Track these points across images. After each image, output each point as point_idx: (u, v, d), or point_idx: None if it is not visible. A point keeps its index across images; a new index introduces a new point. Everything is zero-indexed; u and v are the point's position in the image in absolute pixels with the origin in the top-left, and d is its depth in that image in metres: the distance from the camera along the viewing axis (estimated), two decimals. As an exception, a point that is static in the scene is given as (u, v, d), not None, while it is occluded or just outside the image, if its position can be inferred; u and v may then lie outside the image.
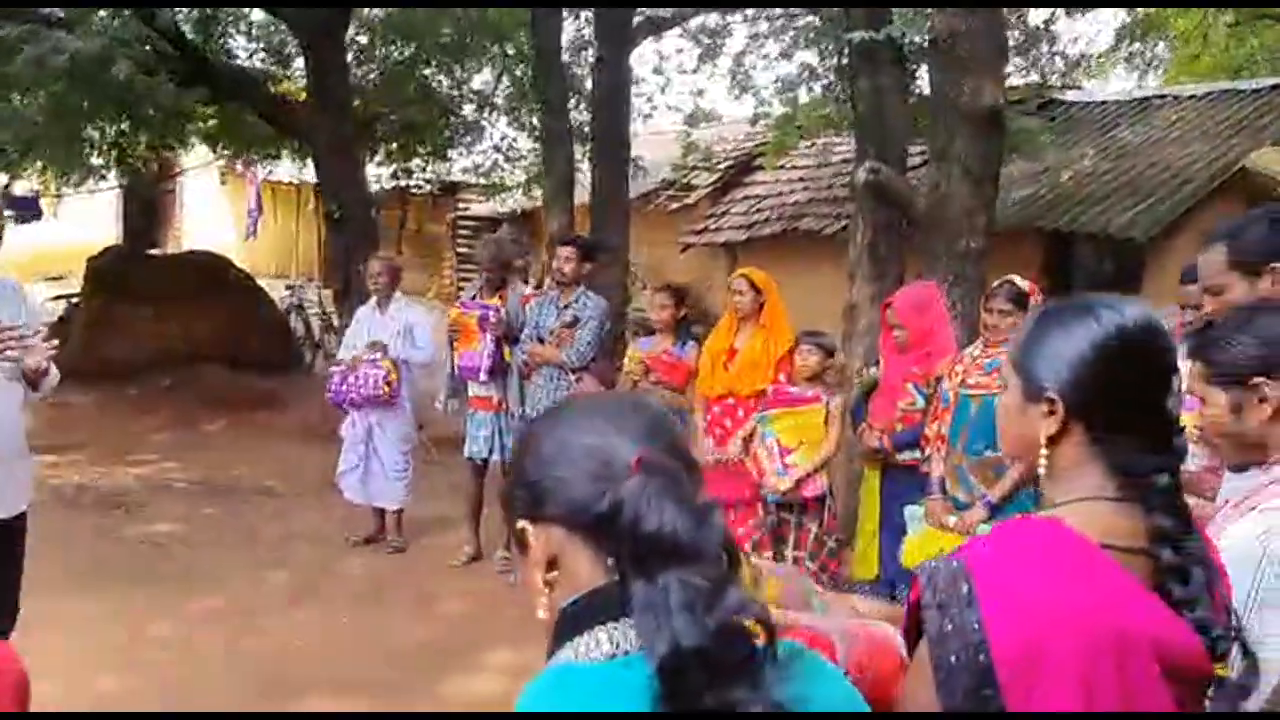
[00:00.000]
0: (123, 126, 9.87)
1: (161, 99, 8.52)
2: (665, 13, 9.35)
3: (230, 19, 9.79)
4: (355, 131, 10.04)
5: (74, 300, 11.63)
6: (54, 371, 3.26)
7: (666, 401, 5.08)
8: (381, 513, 6.21)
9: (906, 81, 6.46)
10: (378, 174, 12.89)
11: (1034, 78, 10.88)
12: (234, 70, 9.62)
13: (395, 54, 11.27)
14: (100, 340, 10.76)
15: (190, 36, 8.83)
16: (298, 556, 6.01)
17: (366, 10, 10.47)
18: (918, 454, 4.29)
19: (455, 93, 11.38)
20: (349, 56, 11.22)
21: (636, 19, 8.49)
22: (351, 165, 9.39)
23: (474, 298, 5.81)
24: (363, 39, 11.10)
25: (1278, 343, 1.68)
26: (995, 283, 4.11)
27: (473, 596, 5.45)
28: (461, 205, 17.81)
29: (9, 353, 3.21)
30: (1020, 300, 3.96)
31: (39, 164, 10.21)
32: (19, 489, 3.17)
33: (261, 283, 13.47)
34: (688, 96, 11.10)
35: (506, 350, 5.65)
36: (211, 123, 10.79)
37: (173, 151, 13.12)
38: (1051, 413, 1.33)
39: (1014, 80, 10.93)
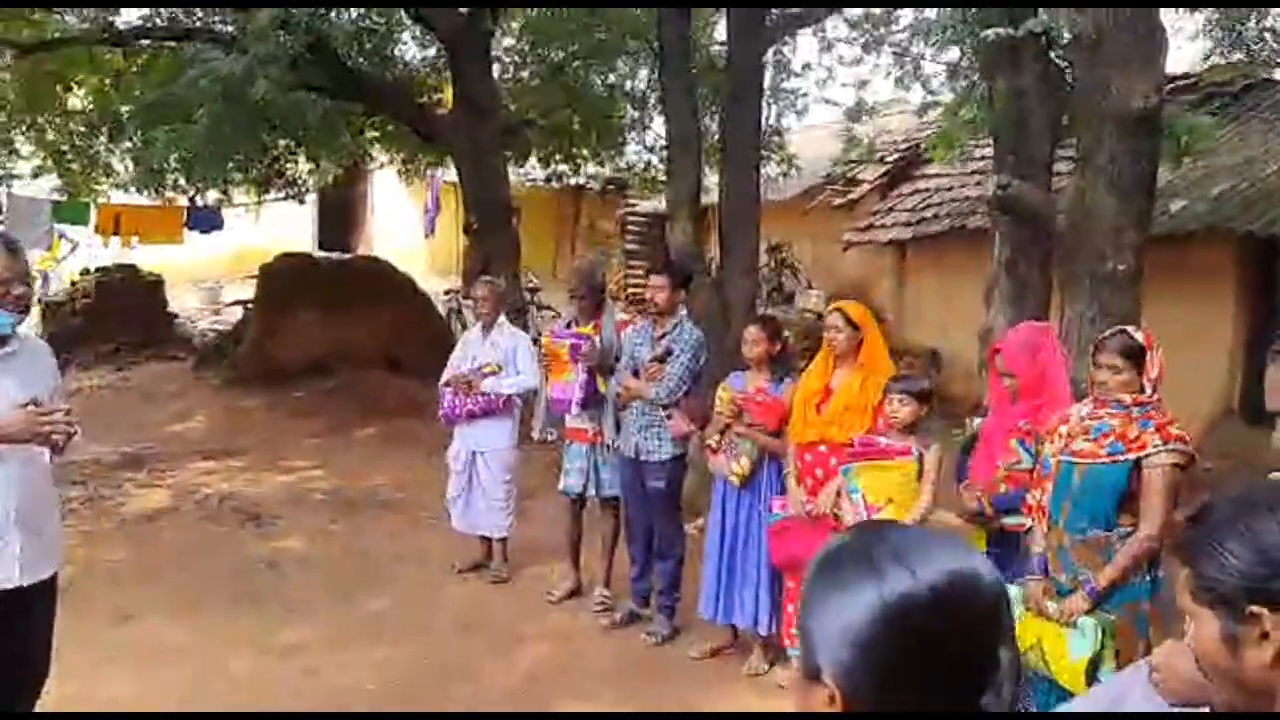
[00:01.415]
0: (279, 141, 10.26)
1: (308, 114, 8.74)
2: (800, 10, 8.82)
3: (381, 29, 9.96)
4: (503, 137, 10.06)
5: (249, 305, 12.25)
6: (78, 433, 3.23)
7: (762, 446, 4.73)
8: (488, 540, 6.13)
9: (1053, 82, 5.75)
10: (543, 172, 12.97)
11: (1239, 56, 9.65)
12: (379, 81, 9.79)
13: (549, 56, 11.20)
14: (271, 344, 11.30)
15: (339, 50, 8.99)
16: (402, 582, 6.01)
17: (512, 14, 10.45)
18: (1024, 520, 3.77)
19: (606, 94, 11.19)
20: (499, 62, 11.33)
21: (773, 16, 8.03)
22: (492, 174, 9.39)
23: (569, 325, 5.60)
24: (510, 41, 11.12)
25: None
26: (1106, 333, 3.54)
27: (563, 638, 5.27)
28: (630, 201, 17.73)
29: (59, 434, 3.18)
30: (1133, 354, 3.39)
31: (203, 180, 10.71)
32: (48, 553, 3.17)
33: (439, 284, 13.86)
34: (850, 89, 10.38)
35: (601, 381, 5.42)
36: (373, 133, 11.09)
37: (348, 161, 13.58)
38: (831, 699, 0.97)
39: (1215, 60, 9.80)
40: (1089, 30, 5.00)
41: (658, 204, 15.61)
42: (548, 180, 12.68)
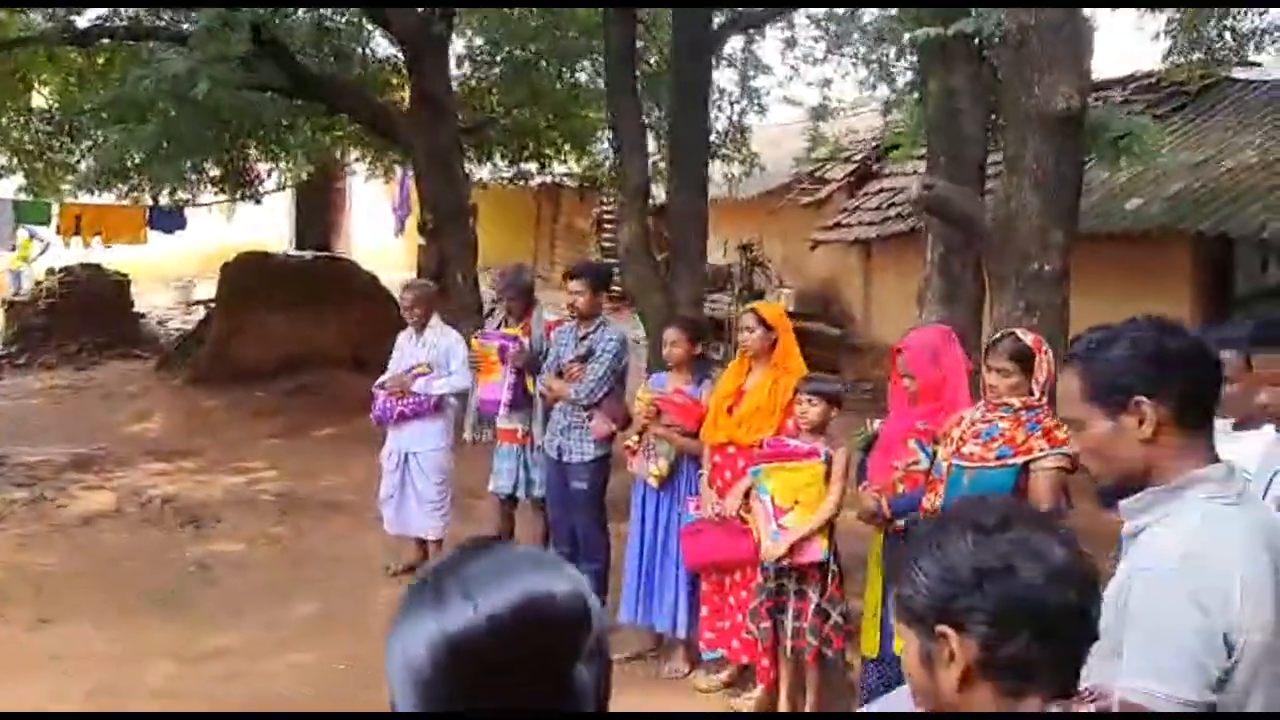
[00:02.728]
0: (235, 141, 10.22)
1: (264, 114, 8.70)
2: (755, 11, 8.81)
3: (342, 27, 9.92)
4: (463, 135, 10.02)
5: (211, 305, 12.21)
6: None
7: (680, 448, 4.71)
8: (424, 542, 6.10)
9: (985, 83, 5.74)
10: (508, 170, 12.93)
11: (1198, 55, 9.64)
12: (337, 80, 9.74)
13: (512, 55, 11.16)
14: (232, 345, 11.24)
15: (293, 49, 8.95)
16: (336, 584, 5.98)
17: (470, 14, 10.41)
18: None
19: (570, 92, 11.16)
20: (464, 60, 11.29)
21: (719, 18, 8.01)
22: (449, 173, 9.35)
23: (498, 327, 5.58)
24: (475, 39, 11.08)
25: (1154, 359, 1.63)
26: (995, 335, 3.52)
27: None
28: (606, 200, 17.71)
29: None
30: (1023, 358, 3.38)
31: (158, 180, 10.66)
32: None
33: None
34: (815, 88, 10.32)
35: (530, 382, 5.39)
36: (336, 133, 11.04)
37: (316, 160, 13.53)
38: None
39: (1174, 59, 9.81)
40: (1013, 30, 5.00)
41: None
42: (513, 179, 12.64)
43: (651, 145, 9.15)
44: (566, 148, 12.32)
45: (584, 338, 5.14)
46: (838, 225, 13.01)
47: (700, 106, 7.65)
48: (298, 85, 9.31)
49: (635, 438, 4.88)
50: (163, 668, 4.79)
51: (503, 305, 5.58)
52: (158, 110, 8.58)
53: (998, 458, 3.37)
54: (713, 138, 10.99)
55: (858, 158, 13.54)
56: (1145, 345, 1.66)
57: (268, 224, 19.79)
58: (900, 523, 3.79)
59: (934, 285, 5.75)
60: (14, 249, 13.29)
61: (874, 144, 13.46)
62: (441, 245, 9.20)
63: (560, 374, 5.17)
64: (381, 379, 6.02)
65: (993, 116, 5.77)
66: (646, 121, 8.56)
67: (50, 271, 14.24)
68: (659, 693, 4.72)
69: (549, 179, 15.02)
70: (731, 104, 10.87)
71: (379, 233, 20.66)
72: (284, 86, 9.22)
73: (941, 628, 1.21)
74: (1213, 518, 1.61)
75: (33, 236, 15.13)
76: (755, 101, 10.66)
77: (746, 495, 4.25)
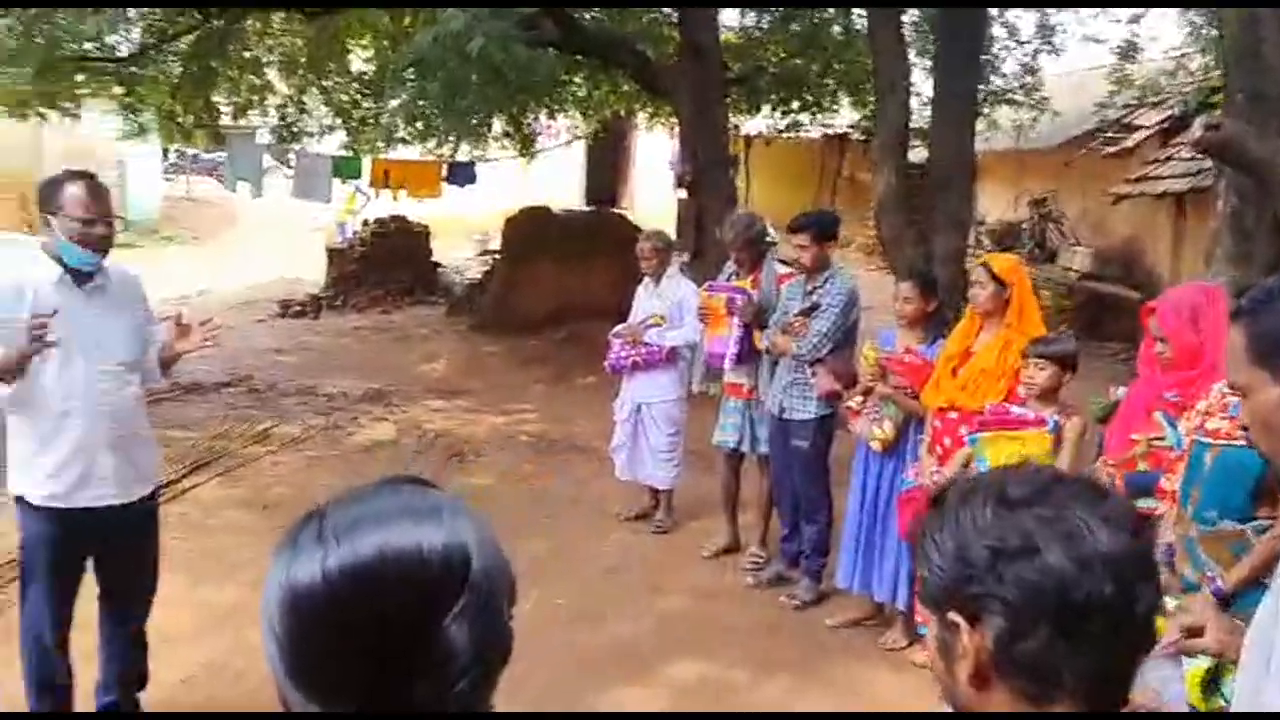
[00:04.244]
0: (516, 97, 10.64)
1: (538, 69, 8.99)
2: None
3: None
4: (729, 86, 9.91)
5: (496, 256, 12.91)
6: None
7: (907, 410, 4.44)
8: (656, 491, 6.16)
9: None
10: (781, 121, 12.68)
11: None
12: (607, 35, 9.90)
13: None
14: (512, 294, 11.88)
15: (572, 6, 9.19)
16: (568, 524, 6.17)
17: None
18: (1156, 504, 3.30)
19: (845, 39, 10.73)
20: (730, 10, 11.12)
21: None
22: (712, 125, 9.28)
23: (728, 279, 5.47)
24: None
25: None
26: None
27: (703, 593, 5.23)
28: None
29: (208, 344, 3.54)
30: None
31: (445, 135, 11.31)
32: (142, 475, 3.47)
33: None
34: (1120, 24, 9.28)
35: (757, 336, 5.26)
36: (607, 87, 11.24)
37: (600, 115, 13.91)
38: None
39: None
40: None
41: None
42: (785, 130, 12.38)
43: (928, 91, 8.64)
44: (843, 97, 11.89)
45: (811, 291, 4.94)
46: (1145, 178, 11.75)
47: (969, 39, 7.06)
48: (572, 40, 9.55)
49: (859, 398, 4.65)
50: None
51: (732, 256, 5.45)
52: (446, 68, 9.06)
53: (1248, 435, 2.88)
54: (999, 81, 10.26)
55: (1172, 102, 12.14)
56: None
57: (560, 179, 20.70)
58: (1138, 504, 3.36)
59: (1223, 243, 5.03)
60: (327, 201, 14.60)
61: (1193, 87, 12.02)
62: (701, 198, 9.17)
63: (786, 329, 5.01)
64: (618, 328, 6.10)
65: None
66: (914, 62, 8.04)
67: (365, 223, 15.62)
68: (871, 664, 4.53)
69: (830, 130, 14.62)
70: (1021, 43, 10.02)
71: (661, 186, 21.03)
72: (559, 42, 9.48)
73: (952, 615, 1.02)
74: None
75: (357, 190, 16.67)
76: (1049, 40, 9.74)
77: (966, 465, 3.93)
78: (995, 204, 16.02)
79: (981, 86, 9.41)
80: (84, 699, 3.58)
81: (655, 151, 21.56)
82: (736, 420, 5.45)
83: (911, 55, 10.56)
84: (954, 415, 4.08)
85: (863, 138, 16.00)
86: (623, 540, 5.94)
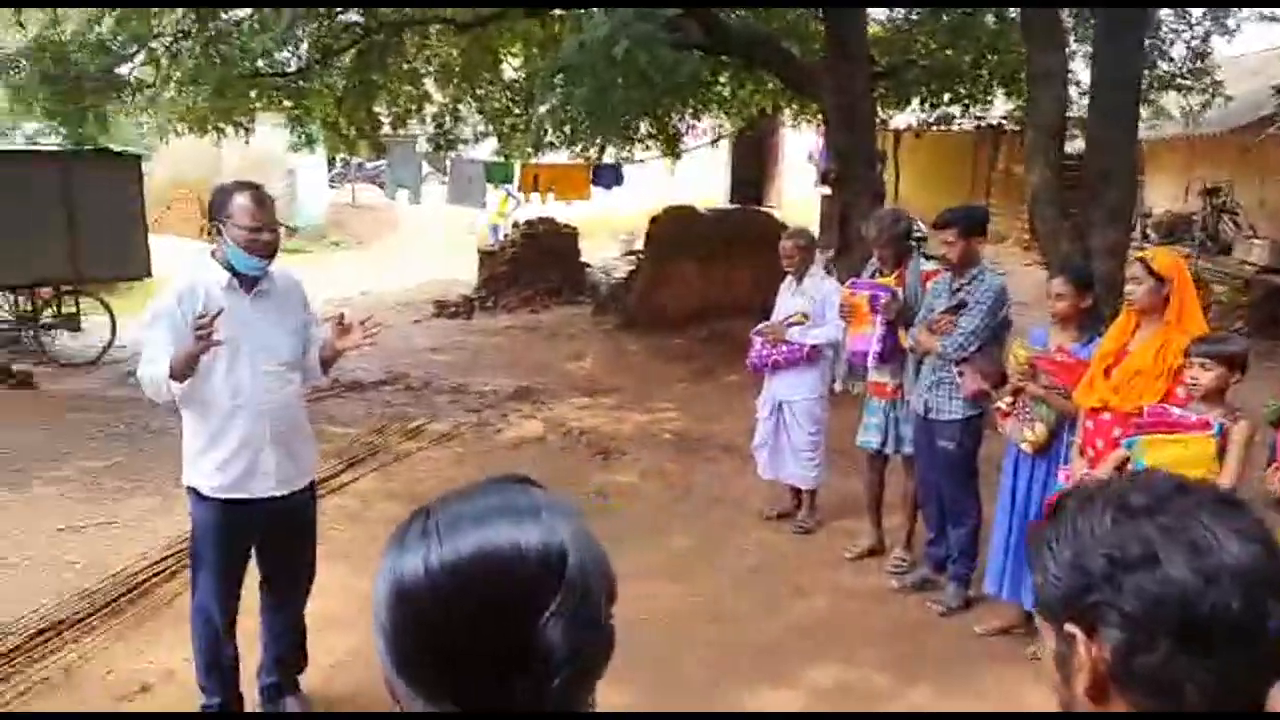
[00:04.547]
0: (661, 99, 10.71)
1: (684, 69, 9.05)
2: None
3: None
4: (877, 80, 9.73)
5: (641, 256, 13.03)
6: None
7: (1061, 412, 4.27)
8: (799, 490, 6.12)
9: None
10: (929, 115, 12.37)
11: None
12: (751, 34, 9.85)
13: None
14: (656, 293, 11.99)
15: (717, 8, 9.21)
16: (710, 521, 6.19)
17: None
18: (1336, 519, 3.08)
19: (994, 29, 10.38)
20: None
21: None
22: (859, 120, 9.12)
23: (871, 276, 5.38)
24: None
25: None
26: None
27: (846, 595, 5.17)
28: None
29: (367, 342, 3.72)
30: None
31: (591, 139, 11.48)
32: (301, 469, 3.65)
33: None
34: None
35: (902, 334, 5.16)
36: (750, 85, 11.18)
37: (744, 115, 13.87)
38: None
39: None
40: None
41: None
42: (935, 124, 12.05)
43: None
44: (996, 87, 11.50)
45: (958, 289, 4.81)
46: (1331, 162, 10.94)
47: (1132, 23, 6.71)
48: (717, 41, 9.55)
49: (1009, 399, 4.50)
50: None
51: (875, 253, 5.35)
52: (592, 72, 9.22)
53: None
54: (1167, 65, 9.74)
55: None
56: None
57: (706, 178, 20.74)
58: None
59: None
60: (482, 205, 15.03)
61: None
62: (846, 194, 9.03)
63: (932, 327, 4.89)
64: (759, 326, 6.08)
65: None
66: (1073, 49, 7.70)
67: (515, 225, 16.04)
68: (1020, 673, 4.36)
69: (982, 123, 14.15)
70: (1191, 25, 9.48)
71: (808, 183, 20.81)
72: (703, 43, 9.51)
73: (1069, 626, 0.98)
74: None
75: (509, 194, 17.14)
76: (1221, 21, 9.18)
77: (1121, 468, 3.75)
78: (1163, 195, 15.18)
79: (1147, 72, 8.96)
80: (249, 680, 3.82)
81: (802, 148, 21.36)
82: (880, 420, 5.36)
83: (1072, 42, 10.17)
84: (1107, 416, 3.90)
85: (1018, 129, 15.50)
86: (764, 539, 5.92)
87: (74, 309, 11.26)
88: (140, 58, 10.65)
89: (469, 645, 0.92)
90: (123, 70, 10.75)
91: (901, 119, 14.97)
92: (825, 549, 5.76)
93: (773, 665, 4.43)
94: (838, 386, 5.75)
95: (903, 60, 10.58)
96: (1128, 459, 3.71)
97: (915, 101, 11.66)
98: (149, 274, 11.37)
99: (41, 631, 4.35)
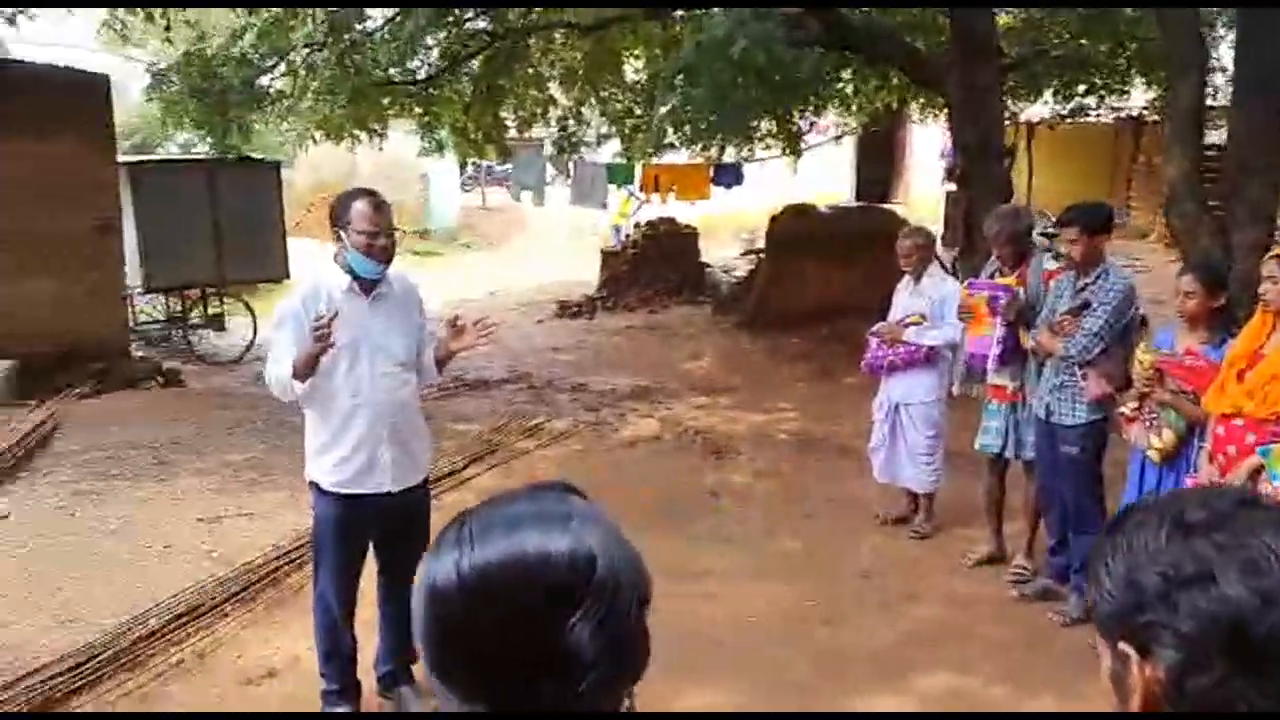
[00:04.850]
0: (780, 97, 10.63)
1: (803, 67, 8.98)
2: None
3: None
4: (1005, 73, 9.44)
5: (760, 255, 12.97)
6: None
7: (1190, 417, 4.08)
8: (915, 494, 6.00)
9: None
10: (1063, 106, 11.94)
11: None
12: (872, 28, 9.68)
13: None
14: (775, 292, 11.92)
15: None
16: (823, 524, 6.13)
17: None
18: None
19: (1131, 15, 9.93)
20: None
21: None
22: (984, 114, 8.86)
23: (990, 276, 5.23)
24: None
25: None
26: None
27: (961, 604, 5.04)
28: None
29: (481, 341, 3.84)
30: None
31: (711, 138, 11.47)
32: (417, 465, 3.77)
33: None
34: None
35: (1024, 335, 5.01)
36: (874, 81, 10.99)
37: (868, 110, 13.67)
38: None
39: None
40: None
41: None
42: (1068, 116, 11.62)
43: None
44: (1136, 77, 11.01)
45: (1081, 289, 4.64)
46: None
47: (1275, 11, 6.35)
48: (837, 37, 9.44)
49: (1134, 404, 4.31)
50: (656, 578, 5.28)
51: (995, 253, 5.20)
52: (711, 72, 9.23)
53: None
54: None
55: None
56: None
57: (831, 175, 20.49)
58: None
59: None
60: (603, 206, 15.19)
61: None
62: (971, 190, 8.79)
63: (1054, 328, 4.73)
64: (876, 326, 5.99)
65: None
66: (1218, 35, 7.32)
67: (637, 226, 16.17)
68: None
69: (1121, 113, 13.59)
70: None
71: (936, 180, 20.32)
72: (823, 39, 9.40)
73: (1123, 645, 0.96)
74: None
75: (631, 195, 17.30)
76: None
77: (1254, 477, 3.56)
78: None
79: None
80: (366, 669, 3.97)
81: (931, 143, 20.87)
82: (1000, 424, 5.21)
83: (1219, 26, 9.66)
84: (1240, 422, 3.71)
85: (1159, 120, 14.80)
86: (879, 544, 5.82)
87: (219, 309, 11.89)
88: (279, 69, 11.17)
89: (497, 648, 0.95)
90: (263, 82, 11.29)
91: (1034, 111, 14.49)
92: (942, 555, 5.63)
93: (884, 671, 4.36)
94: (955, 389, 5.61)
95: (1033, 51, 10.23)
96: (1262, 467, 3.53)
97: (1048, 93, 11.26)
98: (287, 276, 11.90)
99: (179, 617, 4.61)
